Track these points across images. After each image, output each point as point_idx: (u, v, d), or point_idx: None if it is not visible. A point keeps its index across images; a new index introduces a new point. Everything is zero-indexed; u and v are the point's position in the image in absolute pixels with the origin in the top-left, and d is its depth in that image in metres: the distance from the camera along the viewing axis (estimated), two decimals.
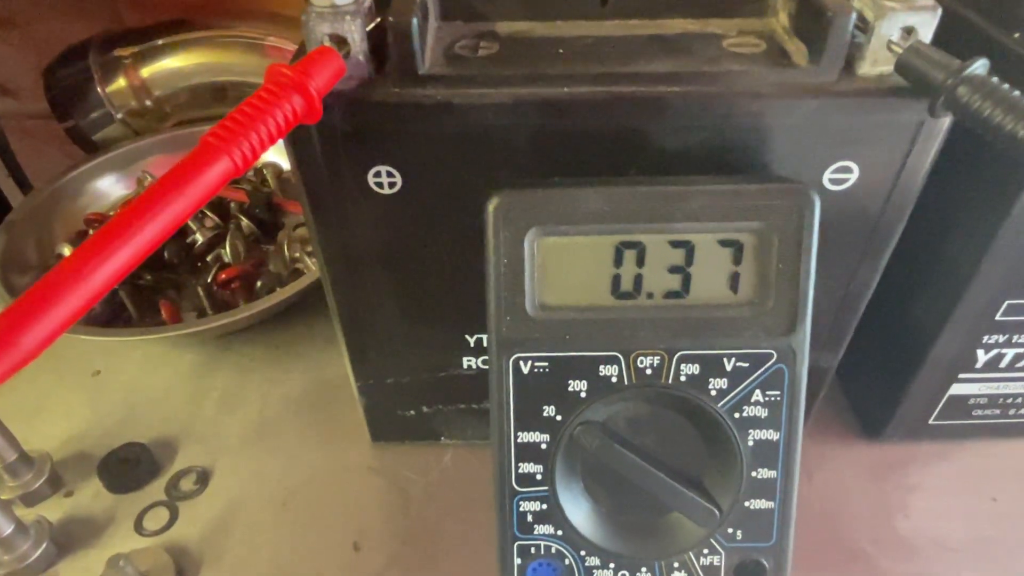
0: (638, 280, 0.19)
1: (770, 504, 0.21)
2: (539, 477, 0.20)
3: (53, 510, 0.29)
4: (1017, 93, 0.17)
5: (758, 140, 0.20)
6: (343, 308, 0.25)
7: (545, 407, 0.20)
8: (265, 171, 0.43)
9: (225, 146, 0.17)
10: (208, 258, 0.38)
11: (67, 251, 0.37)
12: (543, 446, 0.20)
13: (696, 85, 0.19)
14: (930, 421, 0.30)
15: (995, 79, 0.18)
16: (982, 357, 0.27)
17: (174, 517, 0.29)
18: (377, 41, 0.20)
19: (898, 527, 0.28)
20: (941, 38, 0.20)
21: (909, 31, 0.19)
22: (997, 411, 0.30)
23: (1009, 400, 0.29)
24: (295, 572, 0.27)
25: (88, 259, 0.15)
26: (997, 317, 0.26)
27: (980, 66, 0.18)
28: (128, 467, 0.30)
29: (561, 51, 0.21)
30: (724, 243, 0.19)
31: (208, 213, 0.39)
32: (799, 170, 0.21)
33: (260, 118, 0.17)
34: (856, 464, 0.31)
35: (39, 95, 0.51)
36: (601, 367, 0.20)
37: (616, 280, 0.20)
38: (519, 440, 0.20)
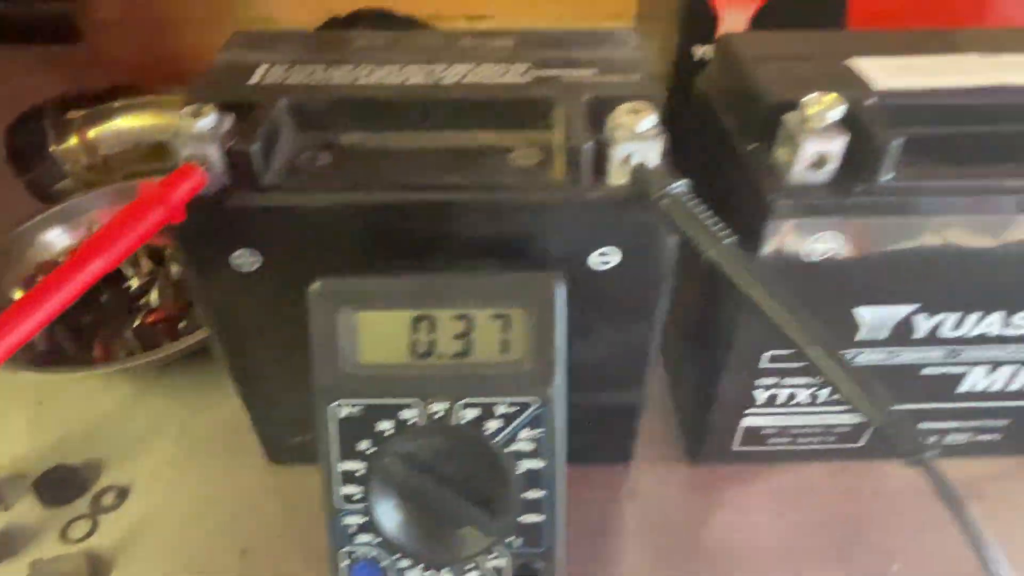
0: (431, 344, 0.25)
1: (541, 518, 0.26)
2: (357, 497, 0.26)
3: None
4: (700, 211, 0.23)
5: (534, 234, 0.26)
6: (230, 358, 0.31)
7: (360, 442, 0.26)
8: None
9: (100, 250, 0.22)
10: (142, 300, 0.43)
11: (18, 294, 0.43)
12: (359, 472, 0.26)
13: (475, 193, 0.25)
14: (733, 448, 0.36)
15: (688, 198, 0.24)
16: (760, 396, 0.33)
17: (94, 528, 0.34)
18: (234, 157, 0.25)
19: (702, 538, 0.34)
20: (710, 149, 0.26)
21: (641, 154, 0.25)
22: (788, 439, 0.35)
23: (795, 430, 0.35)
24: (187, 572, 0.33)
25: None
26: (762, 365, 0.31)
27: (679, 185, 0.24)
28: (59, 484, 0.36)
29: (383, 162, 0.26)
30: (496, 316, 0.25)
31: (142, 258, 0.44)
32: (571, 253, 0.27)
33: (130, 226, 0.23)
34: (676, 484, 0.36)
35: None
36: (401, 411, 0.25)
37: (414, 344, 0.25)
38: (341, 468, 0.26)
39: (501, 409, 0.25)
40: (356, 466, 0.26)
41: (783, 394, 0.33)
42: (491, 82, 0.28)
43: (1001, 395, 0.33)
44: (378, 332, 0.25)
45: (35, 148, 0.48)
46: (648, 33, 0.39)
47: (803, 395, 0.33)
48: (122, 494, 0.36)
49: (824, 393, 0.33)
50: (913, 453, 0.20)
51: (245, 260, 0.27)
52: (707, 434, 0.35)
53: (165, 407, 0.40)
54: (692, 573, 0.33)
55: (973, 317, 0.30)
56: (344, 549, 0.26)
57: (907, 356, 0.31)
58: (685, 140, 0.27)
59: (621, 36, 0.31)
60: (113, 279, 0.44)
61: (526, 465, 0.26)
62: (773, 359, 0.31)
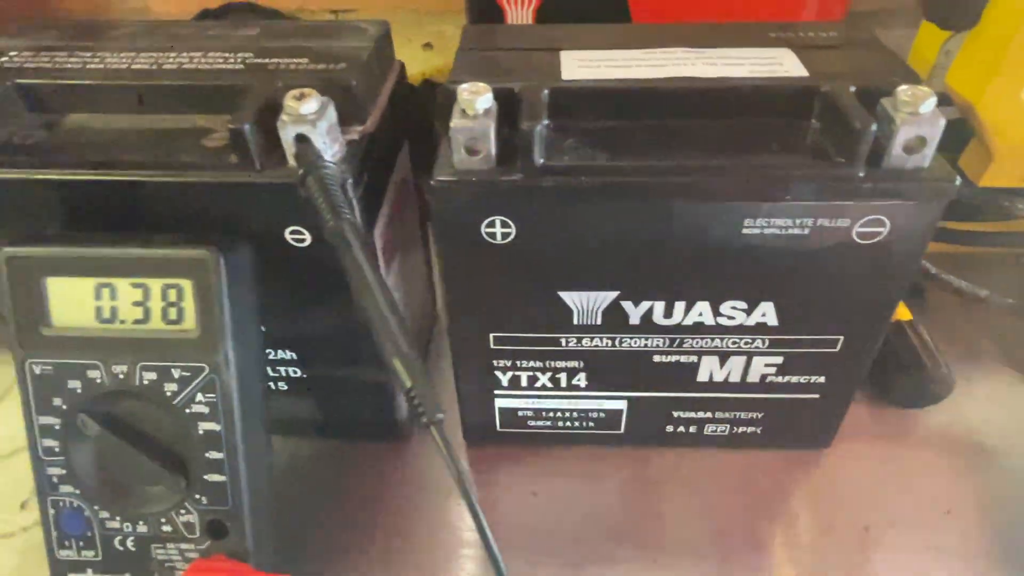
0: (113, 310, 0.27)
1: (223, 477, 0.28)
2: (57, 450, 0.28)
3: None
4: (337, 192, 0.25)
5: (219, 211, 0.28)
6: None
7: (55, 398, 0.28)
8: None
9: None
10: None
11: None
12: (56, 427, 0.28)
13: (154, 172, 0.27)
14: (497, 429, 0.37)
15: (330, 178, 0.25)
16: (503, 378, 0.34)
17: None
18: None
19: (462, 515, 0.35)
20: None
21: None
22: (548, 423, 0.36)
23: (550, 413, 0.35)
24: None
25: None
26: (492, 346, 0.32)
27: (327, 166, 0.25)
28: None
29: (88, 142, 0.28)
30: (168, 287, 0.27)
31: None
32: (265, 230, 0.28)
33: None
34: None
35: None
36: (88, 372, 0.27)
37: (99, 309, 0.27)
38: (40, 422, 0.28)
39: (177, 373, 0.27)
40: (53, 421, 0.28)
41: (524, 376, 0.34)
42: (203, 68, 0.30)
43: (744, 386, 0.33)
44: (66, 297, 0.27)
45: None
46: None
47: (544, 378, 0.34)
48: None
49: (563, 377, 0.34)
50: (426, 418, 0.21)
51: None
52: (468, 415, 0.36)
53: None
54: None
55: (679, 306, 0.30)
56: (51, 498, 0.29)
57: (631, 343, 0.32)
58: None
59: (366, 27, 0.33)
60: None
61: (204, 427, 0.27)
62: (498, 340, 0.32)
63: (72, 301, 0.27)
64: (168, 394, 0.27)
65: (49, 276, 0.27)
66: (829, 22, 0.34)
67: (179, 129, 0.29)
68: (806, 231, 0.27)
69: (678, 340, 0.31)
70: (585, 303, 0.30)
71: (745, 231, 0.27)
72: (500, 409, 0.35)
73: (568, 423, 0.36)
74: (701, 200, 0.26)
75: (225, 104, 0.29)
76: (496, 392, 0.35)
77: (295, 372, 0.34)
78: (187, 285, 0.27)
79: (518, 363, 0.33)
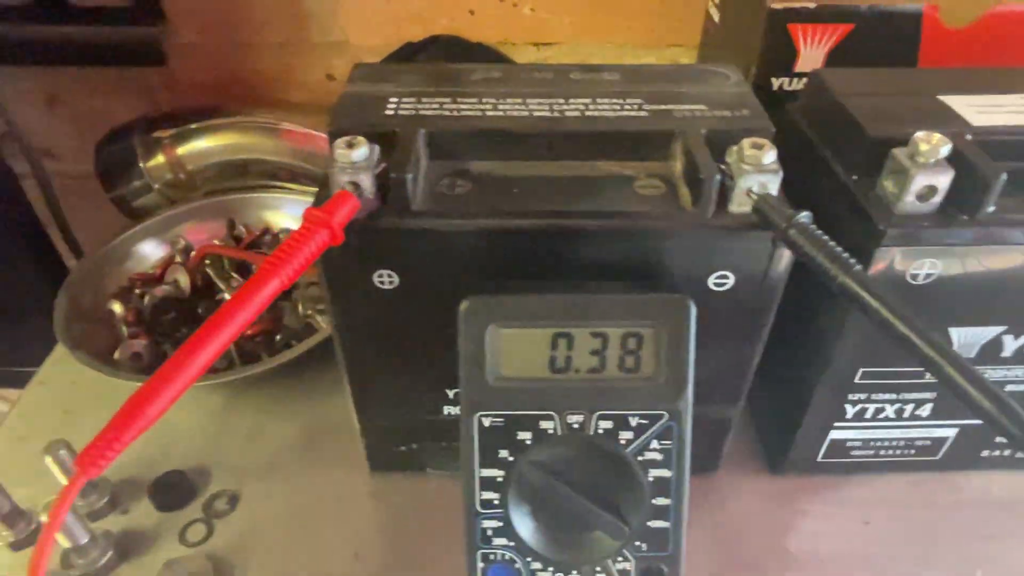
0: (568, 360, 0.27)
1: (666, 524, 0.28)
2: (496, 502, 0.28)
3: (112, 525, 0.36)
4: (827, 239, 0.25)
5: (658, 257, 0.28)
6: (351, 370, 0.33)
7: (500, 450, 0.27)
8: (281, 236, 0.50)
9: (275, 271, 0.24)
10: None
11: (116, 307, 0.44)
12: (499, 479, 0.28)
13: (614, 220, 0.27)
14: (818, 459, 0.37)
15: (814, 227, 0.26)
16: (850, 410, 0.35)
17: (210, 532, 0.36)
18: (382, 183, 0.27)
19: (788, 545, 0.36)
20: (804, 176, 0.28)
21: (762, 184, 0.27)
22: (871, 451, 0.37)
23: (879, 443, 0.37)
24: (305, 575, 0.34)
25: (192, 349, 0.22)
26: (856, 380, 0.33)
27: (805, 216, 0.26)
28: (172, 490, 0.37)
29: (516, 190, 0.28)
30: (629, 334, 0.27)
31: (235, 275, 0.46)
32: (690, 276, 0.29)
33: (299, 248, 0.25)
34: (761, 494, 0.38)
35: (78, 159, 0.59)
36: (541, 422, 0.27)
37: (553, 360, 0.27)
38: (482, 474, 0.27)
39: (634, 421, 0.27)
40: (495, 473, 0.27)
41: (872, 408, 0.35)
42: (611, 115, 0.30)
43: None
44: (520, 348, 0.27)
45: (123, 166, 0.50)
46: (718, 61, 0.41)
47: (890, 410, 0.35)
48: (233, 500, 0.37)
49: (910, 408, 0.35)
50: None
51: (385, 279, 0.29)
52: (793, 446, 0.37)
53: (263, 416, 0.42)
54: None
55: None
56: (481, 551, 0.28)
57: (993, 374, 0.33)
58: None
59: (721, 73, 0.33)
60: (207, 294, 0.46)
61: (655, 474, 0.27)
62: (865, 375, 0.33)
63: (527, 352, 0.27)
64: (623, 442, 0.27)
65: (506, 327, 0.27)
66: None
67: (599, 177, 0.29)
68: None
69: None
70: (968, 337, 0.31)
71: None
72: (831, 440, 0.36)
73: (890, 451, 0.37)
74: None
75: (645, 151, 0.29)
76: (836, 424, 0.35)
77: None
78: (649, 333, 0.27)
79: (872, 396, 0.34)
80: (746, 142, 0.27)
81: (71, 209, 0.61)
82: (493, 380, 0.27)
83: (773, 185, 0.27)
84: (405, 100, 0.31)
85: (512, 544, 0.28)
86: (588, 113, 0.30)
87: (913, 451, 0.37)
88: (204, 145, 0.51)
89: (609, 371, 0.27)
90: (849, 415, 0.35)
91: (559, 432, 0.27)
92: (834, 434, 0.36)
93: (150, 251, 0.48)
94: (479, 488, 0.28)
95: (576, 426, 0.27)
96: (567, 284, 0.28)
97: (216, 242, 0.49)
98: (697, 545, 0.36)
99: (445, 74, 0.34)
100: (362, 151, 0.27)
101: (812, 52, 0.40)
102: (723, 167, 0.27)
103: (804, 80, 0.40)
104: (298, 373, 0.44)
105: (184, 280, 0.45)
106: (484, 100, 0.31)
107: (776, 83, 0.41)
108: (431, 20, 0.53)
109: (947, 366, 0.22)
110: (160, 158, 0.51)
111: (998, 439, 0.36)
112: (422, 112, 0.30)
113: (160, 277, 0.47)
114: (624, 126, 0.29)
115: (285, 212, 0.51)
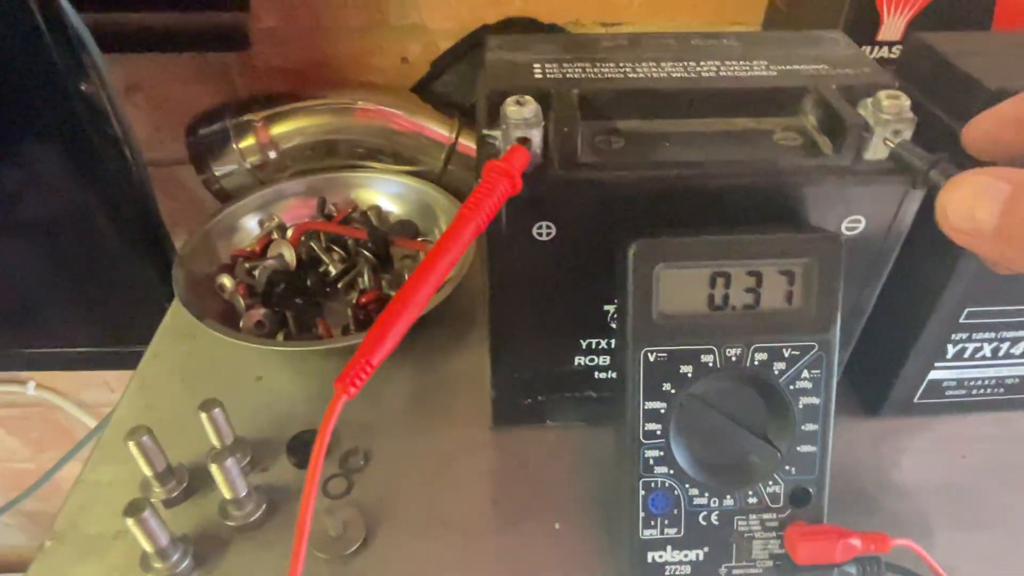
0: (725, 298, 0.29)
1: (814, 448, 0.30)
2: (658, 432, 0.30)
3: (256, 481, 0.38)
4: None
5: (801, 202, 0.30)
6: (496, 321, 0.35)
7: (664, 383, 0.29)
8: (369, 213, 0.52)
9: (473, 215, 0.26)
10: (339, 285, 0.47)
11: (226, 281, 0.46)
12: (662, 411, 0.30)
13: (760, 169, 0.29)
14: (915, 400, 0.40)
15: (955, 167, 0.28)
16: (951, 350, 0.37)
17: (351, 485, 0.38)
18: (545, 138, 0.29)
19: (893, 478, 0.38)
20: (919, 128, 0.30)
21: (897, 132, 0.29)
22: (963, 392, 0.40)
23: (972, 382, 0.39)
24: (449, 521, 0.36)
25: (413, 288, 0.24)
26: (961, 320, 0.36)
27: (943, 157, 0.28)
28: (307, 448, 0.39)
29: (667, 144, 0.31)
30: (782, 272, 0.29)
31: (335, 248, 0.48)
32: (825, 220, 0.31)
33: (488, 196, 0.27)
34: (860, 435, 0.40)
35: (155, 147, 0.61)
36: (701, 356, 0.29)
37: (711, 297, 0.29)
38: (646, 407, 0.30)
39: (787, 352, 0.29)
40: (659, 405, 0.30)
41: (971, 348, 0.37)
42: (744, 75, 0.32)
43: None
44: (681, 287, 0.29)
45: (217, 147, 0.52)
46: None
47: (987, 349, 0.37)
48: (366, 455, 0.39)
49: (1006, 346, 0.37)
50: None
51: (544, 231, 0.31)
52: (893, 388, 0.39)
53: (382, 378, 0.43)
54: (890, 507, 0.37)
55: None
56: (644, 479, 0.30)
57: None
58: None
59: (831, 37, 0.36)
60: (312, 266, 0.48)
61: (805, 401, 0.30)
62: (970, 315, 0.36)
63: (687, 290, 0.29)
64: (776, 372, 0.30)
65: (669, 268, 0.29)
66: None
67: (740, 131, 0.31)
68: None
69: None
70: None
71: None
72: (930, 380, 0.39)
73: (983, 390, 0.40)
74: None
75: (779, 107, 0.32)
76: (937, 364, 0.38)
77: None
78: (800, 268, 0.29)
79: (974, 335, 0.37)
80: (882, 94, 0.29)
81: None
82: (658, 317, 0.29)
83: (908, 133, 0.29)
84: (549, 65, 0.33)
85: (672, 472, 0.30)
86: (722, 73, 0.32)
87: (1002, 390, 0.40)
88: (294, 126, 0.53)
89: (764, 306, 0.29)
90: (950, 355, 0.37)
91: (718, 365, 0.29)
92: (933, 374, 0.39)
93: (251, 226, 0.49)
94: (643, 420, 0.30)
95: (734, 359, 0.29)
96: (726, 228, 0.30)
97: (307, 219, 0.51)
98: None
99: (576, 42, 0.36)
100: (532, 108, 0.29)
101: (895, 21, 0.42)
102: (861, 118, 0.30)
103: (886, 48, 0.43)
104: (410, 337, 0.45)
105: (289, 254, 0.47)
106: (622, 64, 0.33)
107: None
108: (505, 3, 0.55)
109: None
110: (251, 139, 0.52)
111: None
112: (569, 76, 0.32)
113: (261, 253, 0.48)
114: (758, 83, 0.32)
115: (372, 189, 0.53)
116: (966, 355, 0.38)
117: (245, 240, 0.50)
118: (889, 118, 0.29)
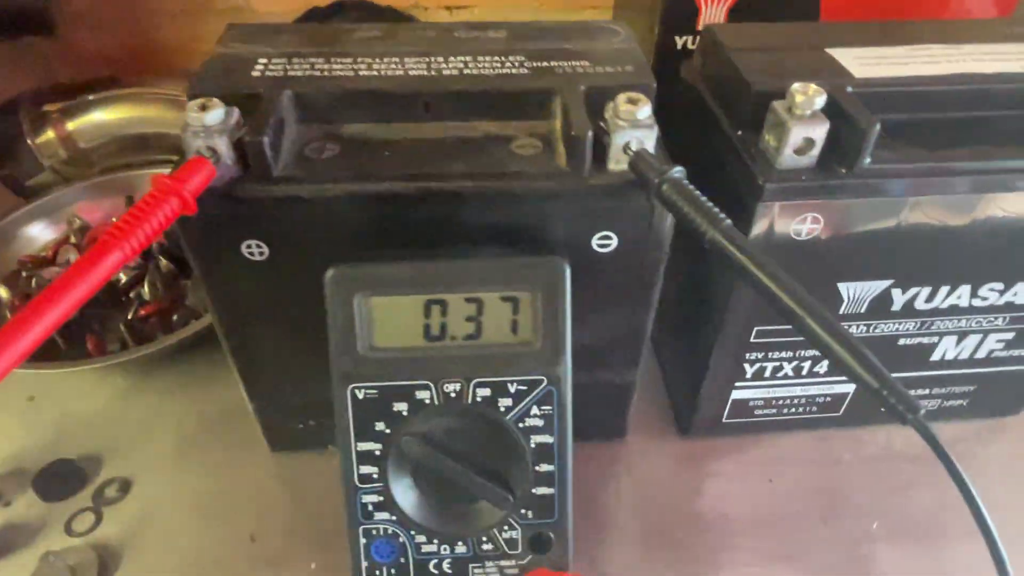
0: (443, 327, 0.26)
1: (551, 490, 0.27)
2: (375, 476, 0.27)
3: None
4: (698, 194, 0.25)
5: (537, 219, 0.27)
6: (232, 345, 0.31)
7: (376, 423, 0.26)
8: None
9: (117, 242, 0.23)
10: (131, 294, 0.43)
11: (3, 292, 0.42)
12: (377, 452, 0.27)
13: (484, 182, 0.26)
14: (723, 420, 0.37)
15: (685, 182, 0.25)
16: (749, 370, 0.35)
17: (99, 520, 0.34)
18: (243, 149, 0.26)
19: (695, 507, 0.36)
20: (697, 135, 0.27)
21: (641, 140, 0.26)
22: (774, 410, 0.37)
23: (780, 401, 0.37)
24: (200, 561, 0.33)
25: (19, 325, 0.21)
26: (752, 339, 0.33)
27: (677, 171, 0.25)
28: (59, 479, 0.36)
29: (387, 153, 0.27)
30: (505, 299, 0.26)
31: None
32: (574, 238, 0.28)
33: (145, 219, 0.23)
34: (668, 457, 0.38)
35: None
36: (416, 392, 0.26)
37: (427, 328, 0.26)
38: (358, 448, 0.27)
39: (512, 388, 0.26)
40: (373, 446, 0.27)
41: (770, 367, 0.34)
42: (490, 73, 0.29)
43: (968, 362, 0.35)
44: (392, 316, 0.26)
45: (9, 142, 0.48)
46: (627, 22, 0.40)
47: (788, 368, 0.35)
48: (124, 486, 0.36)
49: (807, 365, 0.35)
50: (909, 414, 0.22)
51: (255, 250, 0.28)
52: (698, 408, 0.37)
53: (160, 399, 0.40)
54: (687, 541, 0.34)
55: (943, 290, 0.32)
56: (363, 526, 0.27)
57: (885, 328, 0.33)
58: (670, 125, 0.28)
59: (610, 28, 0.33)
60: None
61: (537, 440, 0.27)
62: (759, 334, 0.33)
63: (399, 320, 0.26)
64: (502, 409, 0.27)
65: (375, 295, 0.26)
66: None
67: (477, 137, 0.28)
68: None
69: (929, 323, 0.33)
70: (857, 292, 0.31)
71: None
72: (733, 400, 0.36)
73: (792, 409, 0.37)
74: None
75: (524, 110, 0.28)
76: (737, 384, 0.35)
77: None
78: (526, 296, 0.26)
79: (769, 354, 0.34)
80: (621, 97, 0.26)
81: None
82: (365, 351, 0.26)
83: (649, 141, 0.26)
84: (275, 61, 0.29)
85: (394, 518, 0.27)
86: (467, 71, 0.29)
87: (815, 408, 0.37)
88: (100, 118, 0.48)
89: (486, 337, 0.26)
90: (748, 374, 0.35)
91: (436, 402, 0.26)
92: (736, 394, 0.36)
93: (38, 233, 0.45)
94: (357, 462, 0.27)
95: (453, 395, 0.26)
96: (443, 250, 0.27)
97: (114, 220, 0.47)
98: (605, 510, 0.35)
99: (324, 34, 0.32)
100: (216, 114, 0.25)
101: (713, 10, 0.39)
102: (601, 124, 0.26)
103: None
104: (200, 354, 0.42)
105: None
106: (359, 60, 0.29)
107: (680, 42, 0.40)
108: None
109: (808, 317, 0.22)
110: (50, 134, 0.48)
111: None
112: (291, 73, 0.28)
113: (52, 259, 0.44)
114: (502, 84, 0.28)
115: None
116: (767, 374, 0.35)
117: (36, 246, 0.46)
118: (623, 124, 0.26)
